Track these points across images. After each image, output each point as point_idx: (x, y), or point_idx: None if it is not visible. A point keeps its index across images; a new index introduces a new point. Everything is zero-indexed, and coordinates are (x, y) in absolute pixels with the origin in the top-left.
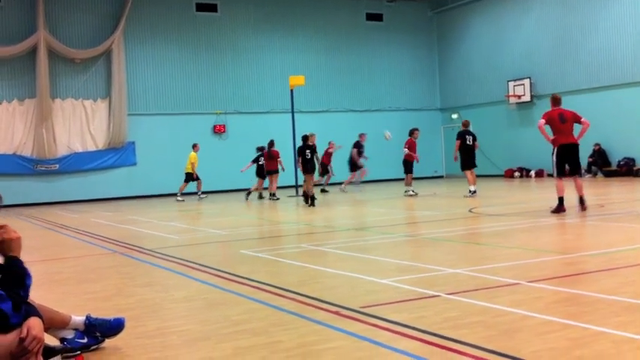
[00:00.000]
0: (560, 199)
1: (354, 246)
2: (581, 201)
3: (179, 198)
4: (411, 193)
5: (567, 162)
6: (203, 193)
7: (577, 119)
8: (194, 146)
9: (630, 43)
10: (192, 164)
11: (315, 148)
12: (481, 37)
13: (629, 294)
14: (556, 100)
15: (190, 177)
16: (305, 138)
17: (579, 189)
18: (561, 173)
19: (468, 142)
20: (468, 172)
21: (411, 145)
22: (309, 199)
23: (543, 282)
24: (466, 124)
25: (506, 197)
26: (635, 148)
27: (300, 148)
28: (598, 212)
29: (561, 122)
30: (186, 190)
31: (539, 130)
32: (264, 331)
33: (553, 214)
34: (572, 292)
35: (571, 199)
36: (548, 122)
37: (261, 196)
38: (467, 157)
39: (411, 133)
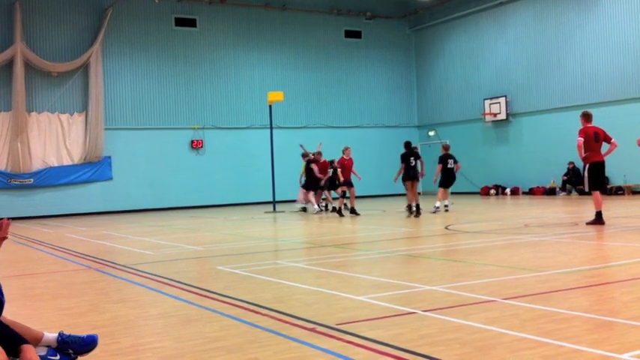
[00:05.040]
0: (598, 213)
1: (331, 262)
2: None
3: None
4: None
5: (598, 178)
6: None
7: (607, 139)
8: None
9: (604, 63)
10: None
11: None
12: (458, 55)
13: (603, 311)
14: (589, 117)
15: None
16: (407, 144)
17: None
18: (595, 187)
19: (449, 165)
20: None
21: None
22: (415, 208)
23: (518, 299)
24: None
25: (482, 214)
26: (608, 167)
27: (403, 155)
28: (572, 230)
29: (595, 141)
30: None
31: (578, 148)
32: (239, 349)
33: (589, 226)
34: (547, 310)
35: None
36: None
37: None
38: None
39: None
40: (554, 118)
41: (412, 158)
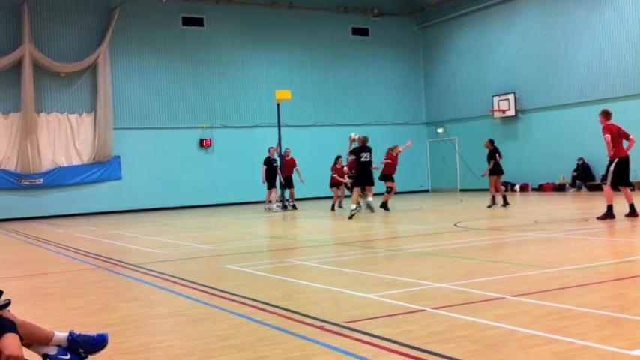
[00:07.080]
0: (610, 207)
1: (339, 260)
2: (632, 208)
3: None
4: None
5: (624, 173)
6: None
7: (626, 136)
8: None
9: (613, 57)
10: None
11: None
12: (466, 51)
13: (613, 308)
14: (609, 115)
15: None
16: (493, 142)
17: (630, 198)
18: (615, 184)
19: (363, 159)
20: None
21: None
22: (502, 199)
23: (528, 296)
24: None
25: (491, 211)
26: None
27: (490, 153)
28: (582, 226)
29: (619, 137)
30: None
31: (607, 144)
32: (249, 346)
33: (600, 221)
34: (557, 306)
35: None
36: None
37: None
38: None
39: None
40: (563, 115)
41: (497, 155)
